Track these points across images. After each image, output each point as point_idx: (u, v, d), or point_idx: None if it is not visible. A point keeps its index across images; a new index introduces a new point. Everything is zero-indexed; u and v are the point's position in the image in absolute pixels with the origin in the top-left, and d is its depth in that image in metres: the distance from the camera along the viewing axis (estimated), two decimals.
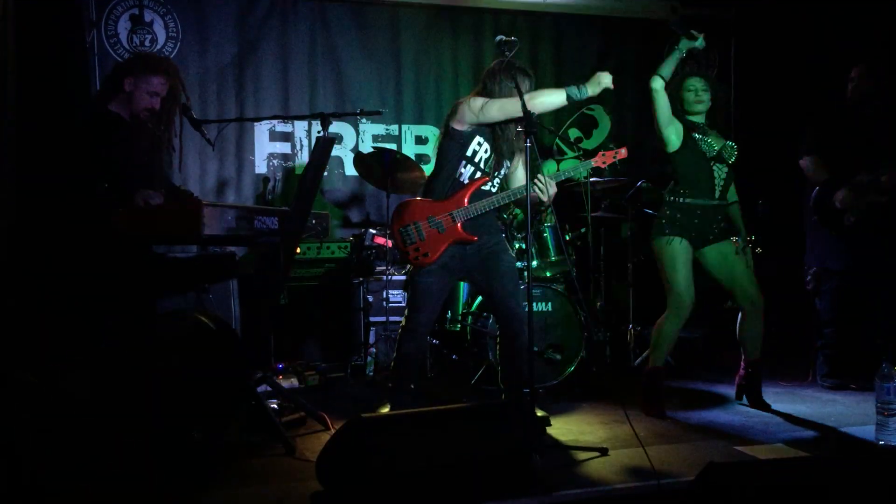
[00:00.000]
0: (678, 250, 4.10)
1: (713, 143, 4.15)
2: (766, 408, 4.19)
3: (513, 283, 3.83)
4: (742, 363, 4.31)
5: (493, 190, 3.86)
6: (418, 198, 3.88)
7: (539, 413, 3.74)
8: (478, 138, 3.78)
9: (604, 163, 3.85)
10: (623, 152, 3.91)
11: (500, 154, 3.80)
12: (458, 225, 3.75)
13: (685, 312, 4.13)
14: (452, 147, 3.81)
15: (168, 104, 3.75)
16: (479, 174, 3.80)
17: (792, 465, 2.78)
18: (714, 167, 4.13)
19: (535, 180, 3.68)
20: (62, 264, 3.62)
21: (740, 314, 4.25)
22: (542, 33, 6.46)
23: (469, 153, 3.78)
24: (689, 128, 4.17)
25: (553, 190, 3.71)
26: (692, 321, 6.03)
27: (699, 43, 4.09)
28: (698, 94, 4.17)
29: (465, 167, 3.80)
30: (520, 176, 3.91)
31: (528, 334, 3.74)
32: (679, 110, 4.20)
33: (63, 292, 3.58)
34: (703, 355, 5.64)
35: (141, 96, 3.67)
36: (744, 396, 4.32)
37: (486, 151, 3.80)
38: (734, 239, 4.23)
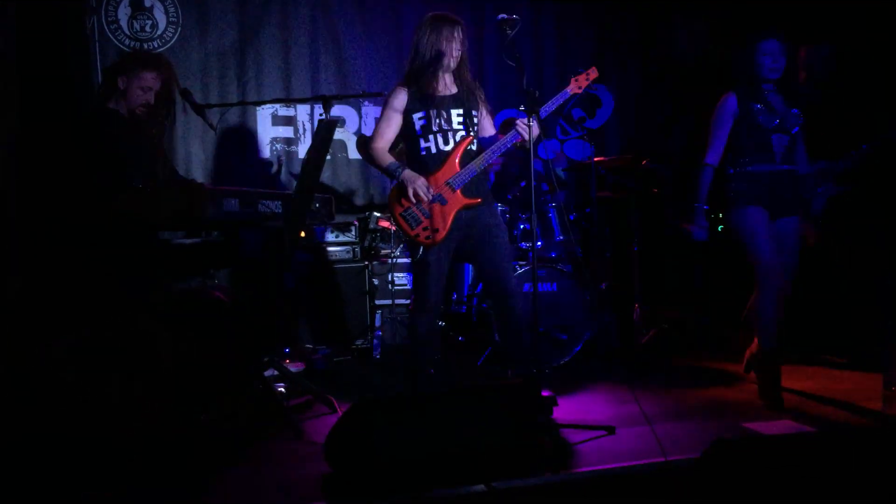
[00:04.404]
0: (755, 219, 3.90)
1: (773, 113, 3.95)
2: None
3: (506, 258, 3.78)
4: (755, 338, 4.14)
5: (474, 148, 3.80)
6: None
7: (544, 392, 3.74)
8: (414, 115, 3.74)
9: (580, 87, 3.80)
10: (594, 72, 3.84)
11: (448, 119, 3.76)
12: (458, 191, 3.71)
13: (776, 283, 3.85)
14: (402, 131, 3.82)
15: (163, 98, 3.80)
16: (453, 135, 3.74)
17: (799, 441, 2.78)
18: (773, 137, 3.95)
19: (518, 123, 3.65)
20: (64, 251, 3.63)
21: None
22: (543, 12, 6.41)
23: (418, 130, 3.74)
24: (749, 97, 3.98)
25: (536, 131, 3.60)
26: (699, 301, 6.07)
27: None
28: (776, 60, 3.92)
29: (426, 141, 3.74)
30: (486, 126, 3.90)
31: (522, 311, 3.75)
32: (750, 75, 3.98)
33: (67, 278, 3.59)
34: (711, 334, 5.63)
35: (134, 93, 3.73)
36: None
37: (437, 116, 3.72)
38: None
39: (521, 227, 5.05)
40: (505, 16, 3.56)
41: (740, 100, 3.99)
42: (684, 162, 6.43)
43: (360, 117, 6.04)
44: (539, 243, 5.04)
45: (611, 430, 3.42)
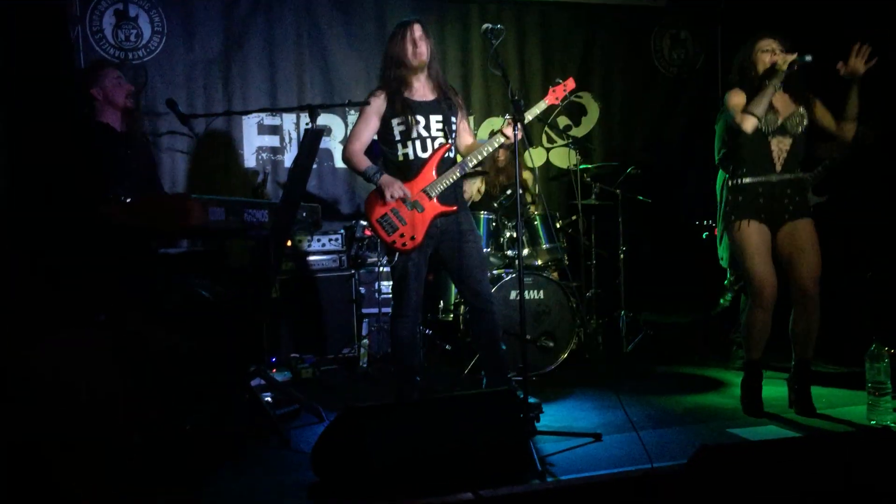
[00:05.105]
0: (747, 234, 3.80)
1: (775, 114, 3.79)
2: (811, 414, 3.77)
3: (478, 264, 3.79)
4: (792, 359, 3.93)
5: (452, 155, 3.82)
6: None
7: (531, 400, 3.75)
8: (394, 120, 3.75)
9: (556, 98, 3.81)
10: (571, 83, 3.85)
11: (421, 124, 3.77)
12: (435, 199, 3.72)
13: (768, 302, 3.77)
14: (381, 136, 3.84)
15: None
16: (431, 142, 3.75)
17: (783, 447, 2.80)
18: (772, 141, 3.79)
19: (497, 134, 3.70)
20: (54, 258, 3.63)
21: (793, 307, 3.85)
22: (528, 22, 6.45)
23: (397, 136, 3.75)
24: (750, 97, 3.78)
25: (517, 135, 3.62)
26: (681, 303, 6.10)
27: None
28: (776, 55, 3.76)
29: (405, 147, 3.75)
30: (463, 133, 3.91)
31: (496, 317, 3.79)
32: (752, 76, 3.81)
33: (56, 283, 3.58)
34: (695, 339, 5.66)
35: (114, 90, 3.79)
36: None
37: (416, 122, 3.73)
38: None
39: (508, 234, 5.06)
40: (490, 25, 3.58)
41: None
42: (670, 170, 6.49)
43: (346, 126, 6.05)
44: (525, 251, 5.06)
45: (597, 436, 3.43)
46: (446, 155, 3.77)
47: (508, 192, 5.14)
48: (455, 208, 3.76)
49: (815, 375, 3.95)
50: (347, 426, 2.82)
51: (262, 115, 5.82)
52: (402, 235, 3.69)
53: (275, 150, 5.93)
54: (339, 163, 6.00)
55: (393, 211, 3.69)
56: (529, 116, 3.75)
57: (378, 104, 3.75)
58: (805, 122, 3.84)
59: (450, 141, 3.79)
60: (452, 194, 3.78)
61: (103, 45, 5.46)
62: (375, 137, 3.88)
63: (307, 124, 3.66)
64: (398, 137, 3.75)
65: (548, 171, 6.49)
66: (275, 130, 5.93)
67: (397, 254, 3.73)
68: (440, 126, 3.77)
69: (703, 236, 5.48)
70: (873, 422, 3.53)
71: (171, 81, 5.56)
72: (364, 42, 6.04)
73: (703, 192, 5.73)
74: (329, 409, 3.89)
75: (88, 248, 3.46)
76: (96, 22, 5.45)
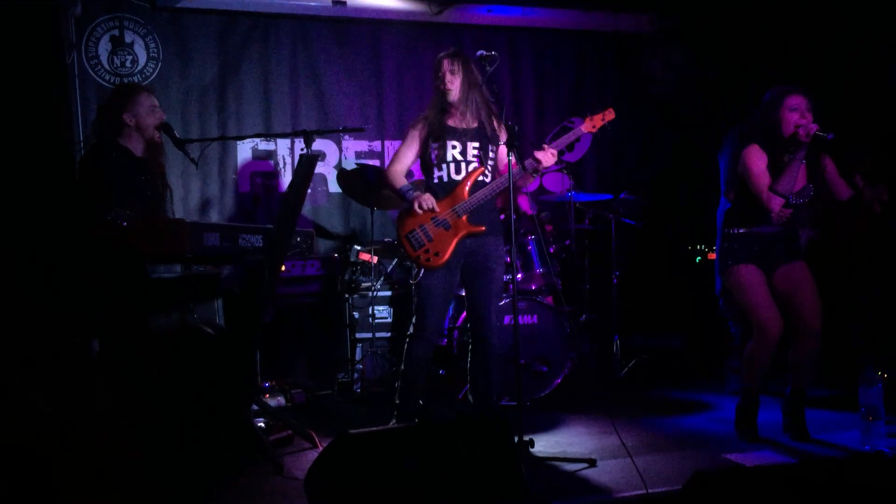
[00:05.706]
0: (745, 276, 3.83)
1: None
2: (806, 439, 3.82)
3: (494, 292, 3.88)
4: (788, 385, 3.95)
5: (486, 179, 3.89)
6: None
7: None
8: (432, 145, 3.86)
9: (594, 126, 3.87)
10: (610, 113, 3.87)
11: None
12: (464, 218, 3.78)
13: (773, 340, 3.77)
14: (421, 160, 3.97)
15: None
16: (466, 166, 3.83)
17: (778, 472, 2.80)
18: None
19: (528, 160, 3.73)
20: (48, 258, 3.62)
21: (793, 339, 3.86)
22: (521, 49, 6.50)
23: (433, 160, 3.86)
24: (770, 155, 3.78)
25: (552, 160, 3.73)
26: (675, 328, 6.11)
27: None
28: (803, 116, 3.70)
29: (440, 171, 3.85)
30: (503, 156, 3.94)
31: (495, 347, 3.86)
32: (775, 136, 3.76)
33: (47, 307, 3.57)
34: (687, 363, 5.66)
35: (146, 118, 3.78)
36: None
37: (453, 147, 3.83)
38: None
39: None
40: (484, 52, 3.64)
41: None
42: (664, 193, 6.52)
43: (341, 151, 6.07)
44: (519, 275, 5.07)
45: (592, 462, 3.42)
46: (480, 178, 3.85)
47: (502, 217, 5.15)
48: (483, 228, 3.81)
49: (809, 399, 3.96)
50: (342, 452, 2.81)
51: (257, 140, 5.85)
52: (426, 251, 3.76)
53: (269, 176, 5.94)
54: (333, 188, 6.02)
55: (421, 227, 3.77)
56: (564, 142, 3.85)
57: (420, 129, 3.90)
58: (811, 195, 3.86)
59: (485, 166, 3.86)
60: (483, 216, 3.83)
61: (99, 72, 5.49)
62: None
63: (302, 150, 3.68)
64: (434, 161, 3.87)
65: (540, 195, 6.51)
66: (269, 156, 5.95)
67: (422, 270, 3.78)
68: (476, 152, 3.86)
69: (697, 260, 5.50)
70: (868, 447, 3.53)
71: (166, 107, 5.54)
72: (359, 69, 6.08)
73: (696, 215, 5.77)
74: (323, 435, 3.87)
75: (80, 265, 3.45)
76: (92, 48, 5.48)
